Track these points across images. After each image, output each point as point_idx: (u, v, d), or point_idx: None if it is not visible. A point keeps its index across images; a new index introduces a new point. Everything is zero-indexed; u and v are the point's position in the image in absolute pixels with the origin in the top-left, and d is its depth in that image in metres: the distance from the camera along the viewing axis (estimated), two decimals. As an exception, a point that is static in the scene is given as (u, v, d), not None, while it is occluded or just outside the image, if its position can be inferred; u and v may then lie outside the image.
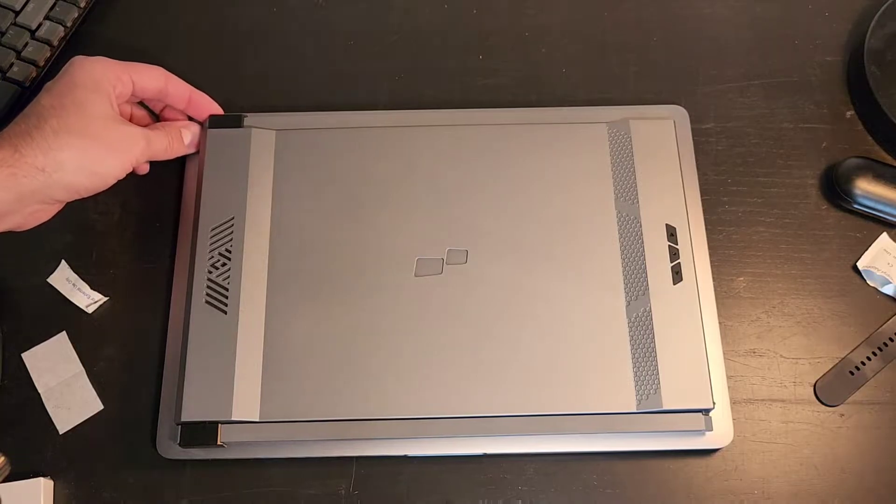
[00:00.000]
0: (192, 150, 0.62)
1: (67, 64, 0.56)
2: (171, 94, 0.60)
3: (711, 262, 0.61)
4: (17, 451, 0.57)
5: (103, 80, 0.55)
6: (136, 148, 0.55)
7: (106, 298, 0.60)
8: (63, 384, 0.58)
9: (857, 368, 0.59)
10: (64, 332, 0.59)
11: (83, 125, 0.52)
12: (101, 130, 0.53)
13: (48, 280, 0.61)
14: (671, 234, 0.59)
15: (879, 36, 0.66)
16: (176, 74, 0.68)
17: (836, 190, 0.63)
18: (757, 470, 0.57)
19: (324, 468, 0.56)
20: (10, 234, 0.62)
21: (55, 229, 0.62)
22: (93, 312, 0.60)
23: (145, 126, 0.59)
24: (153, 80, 0.59)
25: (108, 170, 0.54)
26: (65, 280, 0.61)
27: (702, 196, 0.62)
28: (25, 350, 0.59)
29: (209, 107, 0.62)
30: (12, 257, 0.62)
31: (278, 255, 0.58)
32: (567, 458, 0.56)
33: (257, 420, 0.54)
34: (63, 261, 0.61)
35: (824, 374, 0.59)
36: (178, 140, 0.60)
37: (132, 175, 0.64)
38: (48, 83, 0.55)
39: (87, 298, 0.60)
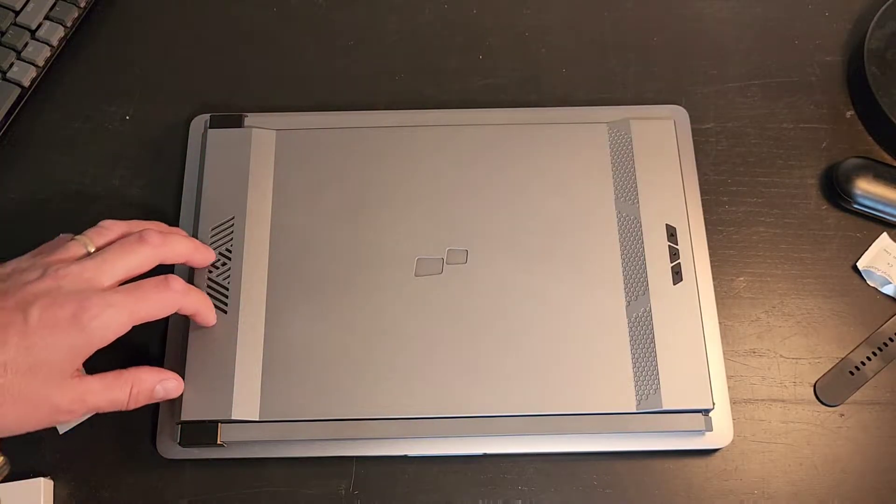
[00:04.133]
0: (166, 399, 0.53)
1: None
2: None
3: (711, 262, 0.61)
4: (17, 451, 0.57)
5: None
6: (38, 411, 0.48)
7: None
8: (63, 384, 0.58)
9: (857, 368, 0.59)
10: (64, 332, 0.59)
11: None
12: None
13: None
14: (671, 234, 0.59)
15: (879, 36, 0.66)
16: (176, 75, 0.68)
17: (836, 190, 0.63)
18: (757, 470, 0.57)
19: (324, 468, 0.56)
20: (11, 234, 0.63)
21: (55, 229, 0.62)
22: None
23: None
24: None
25: None
26: None
27: (702, 196, 0.62)
28: (25, 350, 0.59)
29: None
30: (12, 257, 0.62)
31: (278, 255, 0.58)
32: (567, 458, 0.56)
33: (257, 419, 0.54)
34: None
35: (824, 374, 0.59)
36: (143, 394, 0.51)
37: (132, 175, 0.64)
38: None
39: None
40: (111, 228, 0.53)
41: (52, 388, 0.47)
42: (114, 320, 0.48)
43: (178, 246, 0.53)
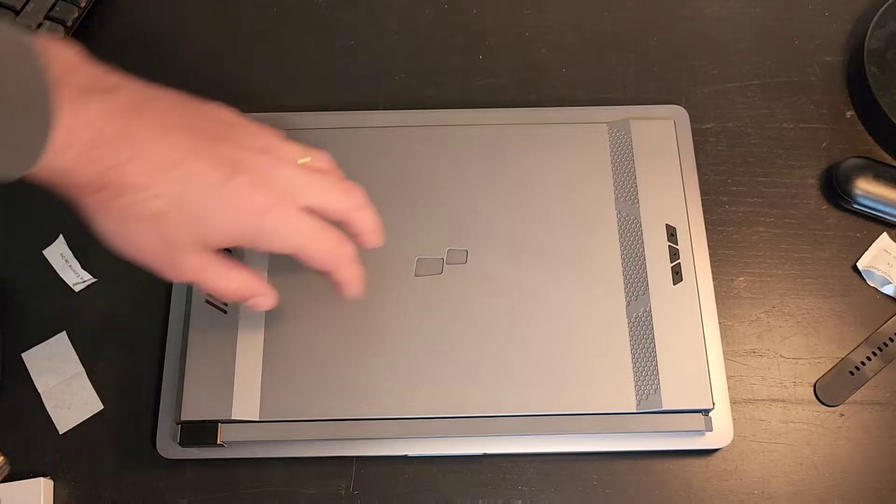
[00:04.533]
0: (252, 309, 0.52)
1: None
2: None
3: (711, 262, 0.60)
4: (17, 451, 0.57)
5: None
6: (167, 267, 0.47)
7: (94, 280, 0.61)
8: (63, 384, 0.58)
9: (857, 368, 0.59)
10: (64, 332, 0.59)
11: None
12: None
13: (43, 252, 0.61)
14: (671, 234, 0.59)
15: (879, 36, 0.66)
16: (177, 75, 0.68)
17: (836, 190, 0.63)
18: (757, 470, 0.57)
19: (324, 468, 0.56)
20: (9, 234, 0.63)
21: (56, 229, 0.62)
22: (92, 311, 0.60)
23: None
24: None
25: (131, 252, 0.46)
26: (59, 255, 0.61)
27: (702, 196, 0.62)
28: (25, 350, 0.59)
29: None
30: (13, 258, 0.62)
31: (278, 254, 0.58)
32: (567, 458, 0.56)
33: (257, 419, 0.54)
34: (61, 235, 0.62)
35: (824, 374, 0.59)
36: (242, 298, 0.49)
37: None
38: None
39: (76, 277, 0.60)
40: (325, 159, 0.51)
41: (189, 246, 0.46)
42: (291, 239, 0.47)
43: (370, 217, 0.52)
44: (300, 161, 0.49)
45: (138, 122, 0.43)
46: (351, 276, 0.50)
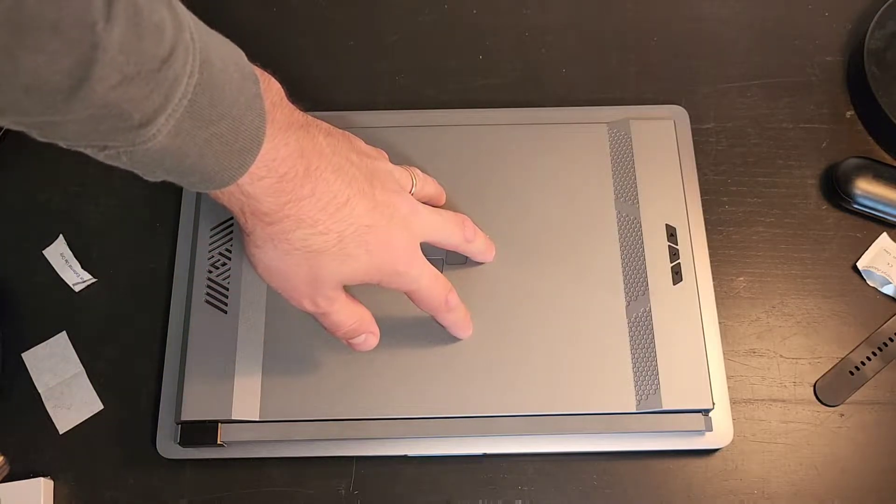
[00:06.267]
0: (359, 348, 0.53)
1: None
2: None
3: (711, 262, 0.60)
4: (17, 451, 0.57)
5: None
6: (307, 304, 0.49)
7: (94, 280, 0.61)
8: (63, 384, 0.58)
9: (857, 368, 0.59)
10: (64, 332, 0.60)
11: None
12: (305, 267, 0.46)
13: (43, 252, 0.61)
14: (671, 234, 0.59)
15: (879, 36, 0.66)
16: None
17: (836, 190, 0.63)
18: (757, 470, 0.57)
19: (324, 468, 0.56)
20: (9, 234, 0.63)
21: (56, 229, 0.62)
22: (93, 311, 0.60)
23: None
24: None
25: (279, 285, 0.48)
26: (59, 255, 0.61)
27: (702, 196, 0.62)
28: (25, 350, 0.59)
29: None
30: (13, 258, 0.62)
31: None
32: (567, 458, 0.56)
33: (257, 419, 0.54)
34: (61, 235, 0.62)
35: (824, 374, 0.59)
36: (353, 335, 0.52)
37: (132, 175, 0.64)
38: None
39: (76, 277, 0.61)
40: (431, 184, 0.56)
41: (332, 282, 0.47)
42: (411, 283, 0.50)
43: (478, 245, 0.56)
44: (412, 190, 0.53)
45: (319, 160, 0.45)
46: (451, 320, 0.54)
